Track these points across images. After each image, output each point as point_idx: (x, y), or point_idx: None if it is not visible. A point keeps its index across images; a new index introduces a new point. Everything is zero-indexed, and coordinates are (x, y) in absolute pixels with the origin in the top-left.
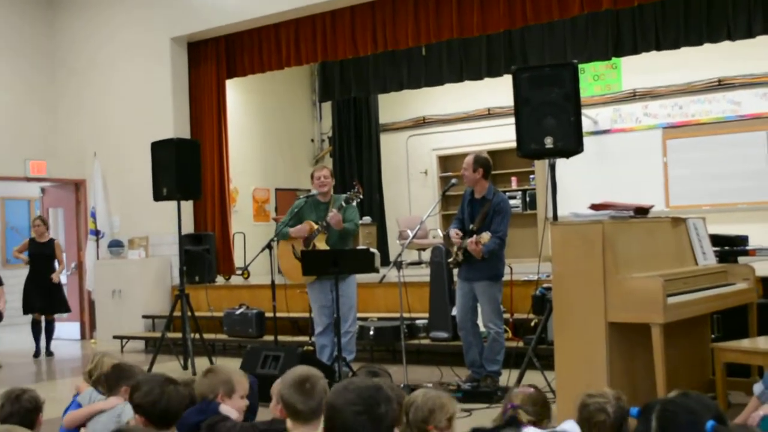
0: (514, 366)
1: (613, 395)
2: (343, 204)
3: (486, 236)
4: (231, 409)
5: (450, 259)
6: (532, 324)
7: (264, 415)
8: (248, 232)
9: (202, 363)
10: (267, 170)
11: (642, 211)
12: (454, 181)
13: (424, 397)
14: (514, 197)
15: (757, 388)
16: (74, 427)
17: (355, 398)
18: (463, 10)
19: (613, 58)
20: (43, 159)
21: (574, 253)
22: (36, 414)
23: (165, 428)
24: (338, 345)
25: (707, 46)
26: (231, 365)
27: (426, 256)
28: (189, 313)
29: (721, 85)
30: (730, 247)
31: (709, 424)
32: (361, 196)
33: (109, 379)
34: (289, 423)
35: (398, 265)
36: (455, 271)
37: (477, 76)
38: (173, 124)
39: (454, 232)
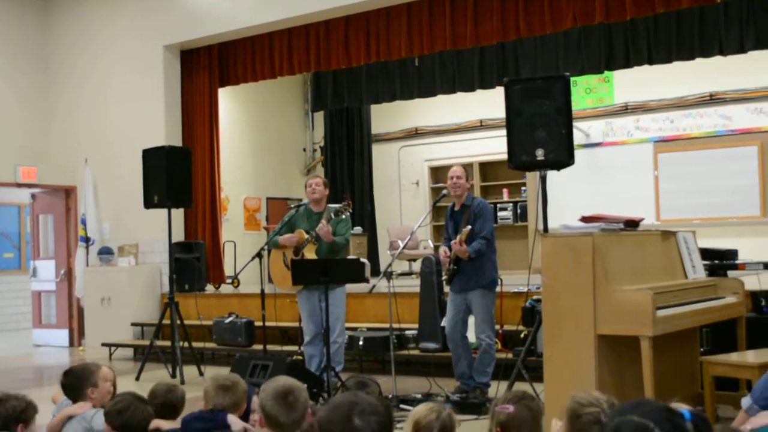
0: (503, 378)
1: (606, 402)
2: (332, 216)
3: (466, 230)
4: (237, 420)
5: (444, 277)
6: (522, 336)
7: None
8: (239, 241)
9: (190, 371)
10: (258, 179)
11: (632, 224)
12: (445, 192)
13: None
14: (505, 209)
15: (745, 401)
16: None
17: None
18: (457, 22)
19: (606, 72)
20: (33, 165)
21: (564, 265)
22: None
23: None
24: (327, 355)
25: (699, 60)
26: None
27: (416, 266)
28: (178, 322)
29: (713, 99)
30: (720, 261)
31: None
32: (351, 210)
33: (67, 386)
34: None
35: (388, 275)
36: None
37: (470, 88)
38: (165, 132)
39: (443, 252)
